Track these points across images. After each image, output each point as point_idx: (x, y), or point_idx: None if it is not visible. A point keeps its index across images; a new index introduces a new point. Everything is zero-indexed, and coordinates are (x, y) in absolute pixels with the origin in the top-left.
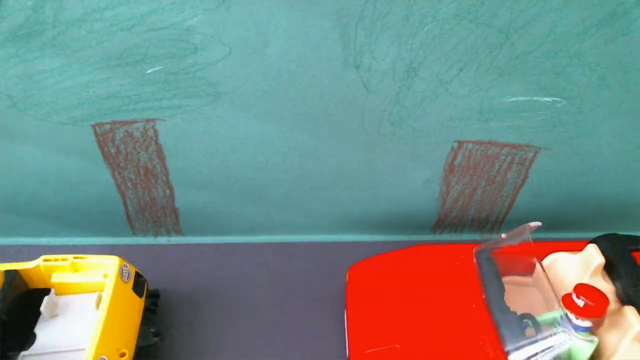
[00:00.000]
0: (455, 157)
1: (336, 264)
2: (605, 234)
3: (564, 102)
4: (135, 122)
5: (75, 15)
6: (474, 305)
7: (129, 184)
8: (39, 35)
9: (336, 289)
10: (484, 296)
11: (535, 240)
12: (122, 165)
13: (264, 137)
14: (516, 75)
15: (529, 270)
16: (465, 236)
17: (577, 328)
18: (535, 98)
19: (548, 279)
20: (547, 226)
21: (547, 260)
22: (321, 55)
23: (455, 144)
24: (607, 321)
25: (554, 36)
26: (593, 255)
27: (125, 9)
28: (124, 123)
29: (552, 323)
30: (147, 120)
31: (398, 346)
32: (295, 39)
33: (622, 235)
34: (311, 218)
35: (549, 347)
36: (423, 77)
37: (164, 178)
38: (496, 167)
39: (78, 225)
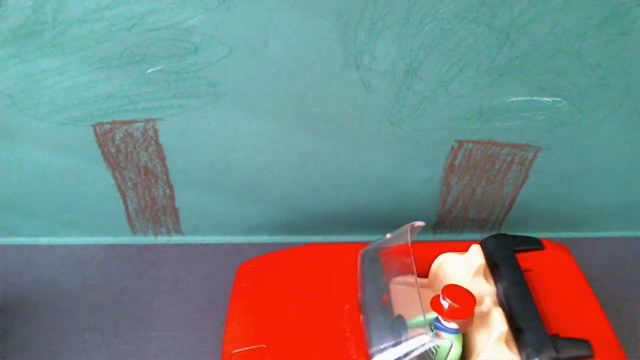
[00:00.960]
0: (455, 157)
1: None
2: (494, 234)
3: (564, 102)
4: (135, 122)
5: (75, 15)
6: (346, 306)
7: (129, 184)
8: (39, 35)
9: None
10: (359, 297)
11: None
12: (122, 165)
13: (264, 137)
14: (516, 75)
15: (424, 271)
16: (466, 236)
17: (445, 329)
18: (535, 98)
19: (417, 281)
20: (548, 226)
21: (438, 261)
22: (321, 55)
23: (455, 144)
24: (479, 322)
25: (554, 36)
26: (475, 257)
27: (125, 9)
28: (124, 123)
29: (430, 324)
30: (147, 120)
31: (264, 346)
32: (295, 39)
33: (510, 235)
34: (311, 218)
35: (413, 350)
36: (423, 77)
37: (164, 178)
38: (496, 167)
39: (78, 225)
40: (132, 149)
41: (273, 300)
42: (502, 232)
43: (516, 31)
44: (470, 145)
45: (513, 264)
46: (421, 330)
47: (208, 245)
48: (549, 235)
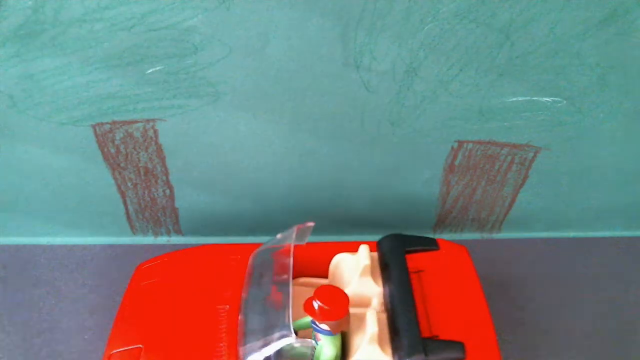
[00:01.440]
0: (455, 157)
1: None
2: (390, 234)
3: (564, 102)
4: (135, 122)
5: (75, 15)
6: (227, 307)
7: (129, 184)
8: (39, 35)
9: None
10: (242, 297)
11: (533, 239)
12: (122, 165)
13: (264, 137)
14: (516, 75)
15: (323, 272)
16: (466, 236)
17: (319, 331)
18: (535, 98)
19: (290, 283)
20: (548, 226)
21: (334, 261)
22: (321, 55)
23: (455, 144)
24: (360, 323)
25: (554, 36)
26: (361, 257)
27: (125, 9)
28: (124, 123)
29: (307, 326)
30: (147, 120)
31: (141, 346)
32: (295, 39)
33: (404, 235)
34: (311, 218)
35: (277, 351)
36: (423, 77)
37: (164, 178)
38: (496, 167)
39: (78, 225)
40: (132, 149)
41: (160, 301)
42: (502, 232)
43: (516, 31)
44: (470, 145)
45: (400, 264)
46: (285, 332)
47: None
48: (549, 235)
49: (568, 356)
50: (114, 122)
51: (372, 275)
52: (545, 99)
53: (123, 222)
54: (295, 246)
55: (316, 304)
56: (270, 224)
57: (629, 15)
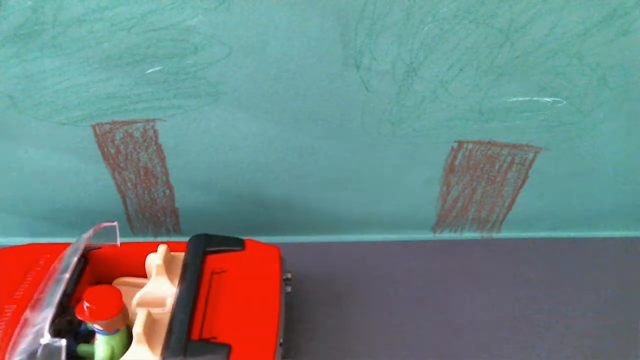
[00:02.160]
0: (455, 157)
1: (334, 264)
2: (197, 234)
3: (564, 102)
4: (135, 122)
5: (75, 15)
6: (14, 306)
7: (129, 184)
8: (39, 35)
9: (324, 289)
10: (33, 297)
11: (533, 239)
12: (122, 165)
13: (264, 137)
14: (516, 75)
15: (143, 272)
16: (466, 236)
17: (97, 330)
18: (535, 98)
19: (61, 283)
20: (548, 226)
21: (147, 261)
22: (321, 55)
23: (455, 144)
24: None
25: (554, 36)
26: (156, 257)
27: (125, 9)
28: (124, 123)
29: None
30: (147, 121)
31: None
32: (295, 39)
33: (209, 235)
34: (311, 218)
35: (33, 351)
36: (423, 77)
37: (164, 178)
38: (496, 167)
39: (78, 225)
40: (132, 150)
41: None
42: (502, 232)
43: (516, 31)
44: (470, 146)
45: (194, 265)
46: (40, 331)
47: None
48: (549, 235)
49: (567, 355)
50: (113, 122)
51: (172, 275)
52: (545, 99)
53: (123, 222)
54: (112, 246)
55: (85, 305)
56: (270, 224)
57: (629, 15)
